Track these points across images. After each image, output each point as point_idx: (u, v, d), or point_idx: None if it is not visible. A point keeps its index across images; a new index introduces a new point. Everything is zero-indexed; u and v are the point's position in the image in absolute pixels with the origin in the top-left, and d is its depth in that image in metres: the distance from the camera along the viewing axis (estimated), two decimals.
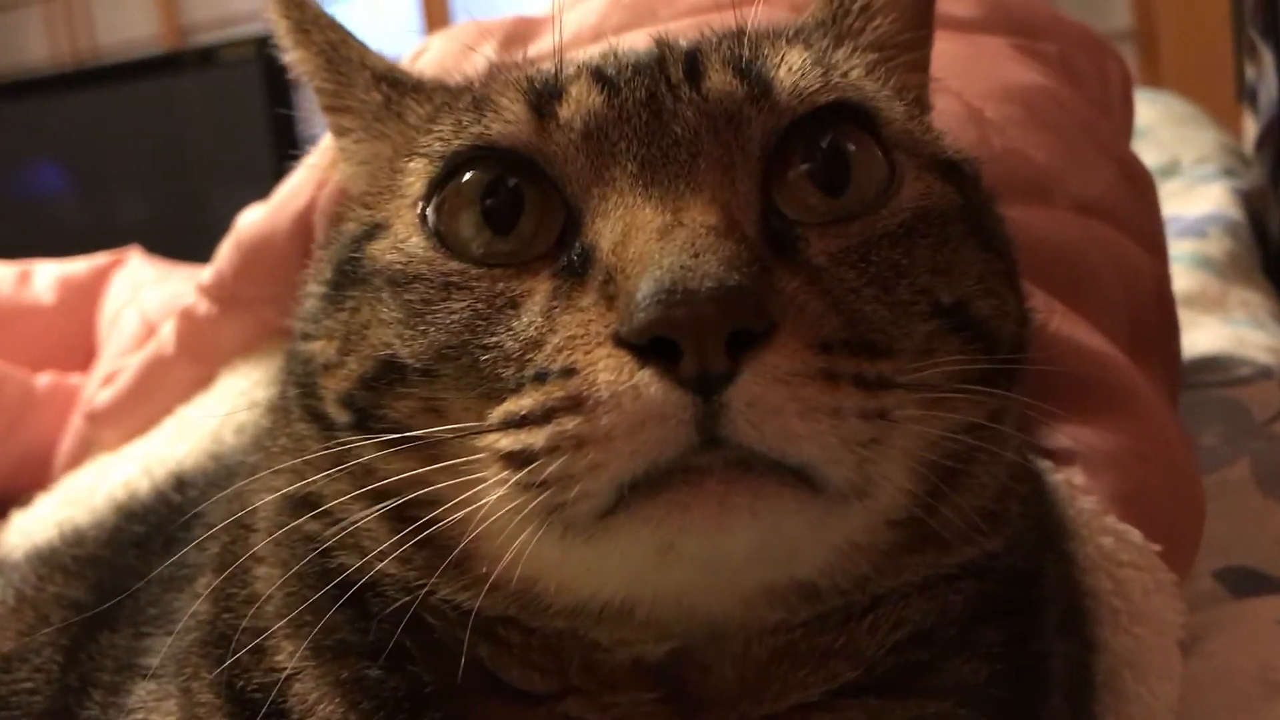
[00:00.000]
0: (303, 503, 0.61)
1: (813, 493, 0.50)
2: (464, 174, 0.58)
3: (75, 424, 1.24)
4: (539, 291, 0.54)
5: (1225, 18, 2.25)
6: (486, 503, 0.51)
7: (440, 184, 0.58)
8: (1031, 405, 0.62)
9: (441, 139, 0.59)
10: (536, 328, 0.52)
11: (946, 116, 0.78)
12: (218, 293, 1.08)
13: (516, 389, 0.51)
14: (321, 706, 0.58)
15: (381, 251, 0.59)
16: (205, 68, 3.39)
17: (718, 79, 0.57)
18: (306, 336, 0.63)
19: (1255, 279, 1.57)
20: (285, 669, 0.60)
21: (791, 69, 0.58)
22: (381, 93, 0.68)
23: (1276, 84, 1.61)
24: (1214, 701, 0.78)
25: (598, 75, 0.58)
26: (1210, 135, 2.11)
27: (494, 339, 0.53)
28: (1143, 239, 0.94)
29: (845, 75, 0.60)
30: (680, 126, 0.55)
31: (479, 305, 0.55)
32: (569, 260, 0.54)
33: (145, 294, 1.39)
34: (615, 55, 0.60)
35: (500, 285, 0.55)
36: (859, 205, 0.57)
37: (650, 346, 0.48)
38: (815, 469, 0.49)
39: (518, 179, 0.56)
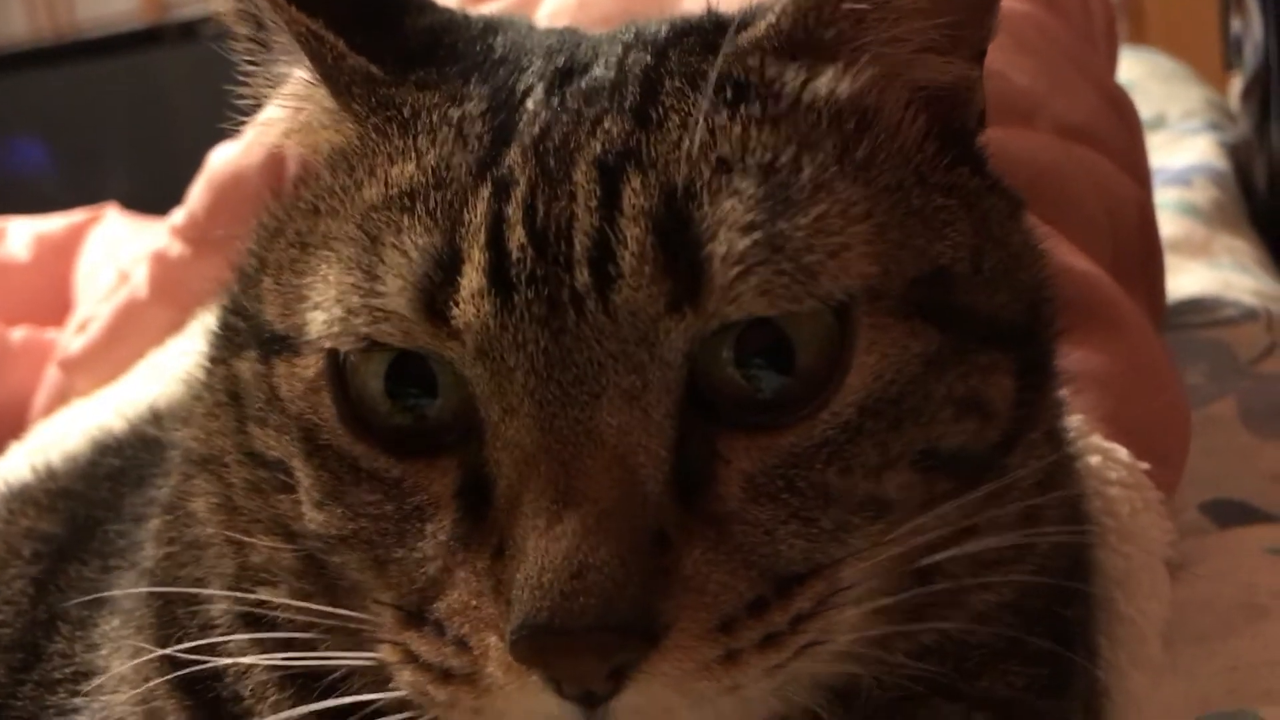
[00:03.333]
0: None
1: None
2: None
3: (50, 376, 1.23)
4: (444, 512, 0.49)
5: None
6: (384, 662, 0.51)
7: (337, 352, 0.51)
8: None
9: (326, 313, 0.50)
10: (438, 568, 0.49)
11: None
12: (191, 233, 1.07)
13: (417, 615, 0.49)
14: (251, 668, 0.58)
15: (289, 384, 0.53)
16: (187, 42, 3.36)
17: (631, 285, 0.47)
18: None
19: (1241, 227, 1.57)
20: (218, 624, 0.59)
21: (730, 253, 0.47)
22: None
23: (1262, 34, 1.61)
24: (1200, 624, 0.78)
25: (495, 272, 0.48)
26: (1196, 91, 2.11)
27: (400, 552, 0.50)
28: (1127, 165, 0.94)
29: (809, 248, 0.48)
30: (583, 356, 0.47)
31: (388, 507, 0.50)
32: (474, 480, 0.49)
33: (122, 248, 1.38)
34: (524, 220, 0.49)
35: (409, 483, 0.50)
36: (796, 405, 0.49)
37: None
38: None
39: (425, 358, 0.50)
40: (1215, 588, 0.82)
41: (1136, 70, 2.13)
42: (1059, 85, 0.92)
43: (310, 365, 0.52)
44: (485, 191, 0.49)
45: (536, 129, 0.51)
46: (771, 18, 0.53)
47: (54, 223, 1.51)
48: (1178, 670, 0.74)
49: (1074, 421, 0.73)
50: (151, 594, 0.63)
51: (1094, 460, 0.72)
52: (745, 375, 0.48)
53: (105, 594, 0.67)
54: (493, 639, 0.47)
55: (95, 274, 1.37)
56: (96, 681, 0.63)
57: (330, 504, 0.52)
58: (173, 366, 1.04)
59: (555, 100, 0.52)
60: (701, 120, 0.49)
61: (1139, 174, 0.99)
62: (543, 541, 0.45)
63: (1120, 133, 0.97)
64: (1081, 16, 1.07)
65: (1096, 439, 0.73)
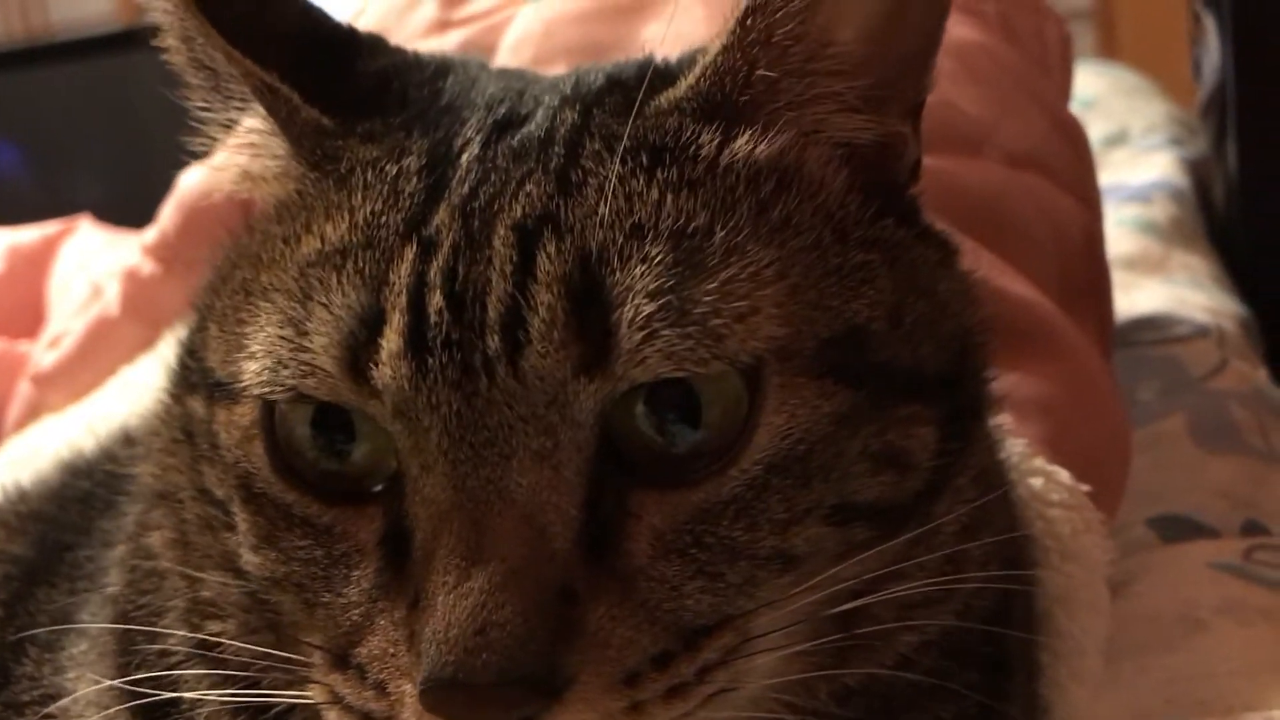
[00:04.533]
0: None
1: None
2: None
3: (23, 390, 1.24)
4: (368, 560, 0.51)
5: None
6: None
7: (270, 403, 0.53)
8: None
9: (259, 363, 0.52)
10: (361, 614, 0.51)
11: None
12: (161, 252, 1.08)
13: (343, 658, 0.51)
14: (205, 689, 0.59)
15: (227, 431, 0.55)
16: (159, 45, 3.35)
17: (539, 350, 0.48)
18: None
19: (1198, 244, 1.60)
20: (176, 654, 0.61)
21: (637, 318, 0.48)
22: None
23: (1219, 53, 1.64)
24: (1140, 638, 0.80)
25: (413, 335, 0.49)
26: (1159, 106, 2.14)
27: (328, 597, 0.52)
28: (1075, 191, 0.96)
29: (716, 312, 0.49)
30: (494, 419, 0.48)
31: (318, 552, 0.52)
32: (396, 530, 0.50)
33: (95, 261, 1.39)
34: (443, 283, 0.50)
35: (338, 529, 0.52)
36: (706, 462, 0.49)
37: None
38: None
39: (348, 409, 0.51)
40: (1157, 603, 0.84)
41: (1100, 85, 2.16)
42: (1009, 113, 0.95)
43: (245, 414, 0.54)
44: (411, 252, 0.50)
45: (465, 189, 0.52)
46: (691, 78, 0.54)
47: (27, 234, 1.52)
48: (1118, 684, 0.77)
49: (1017, 446, 0.76)
50: (114, 621, 0.64)
51: (1036, 483, 0.75)
52: (659, 430, 0.49)
53: (73, 617, 0.68)
54: (408, 686, 0.48)
55: (68, 286, 1.38)
56: (61, 704, 0.65)
57: (265, 548, 0.54)
58: (143, 384, 1.05)
59: (488, 157, 0.53)
60: (614, 187, 0.50)
61: (1087, 199, 1.01)
62: (450, 597, 0.47)
63: (1070, 159, 1.00)
64: (1035, 44, 1.10)
65: (1039, 462, 0.75)
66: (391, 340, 0.49)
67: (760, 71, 0.53)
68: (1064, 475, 0.75)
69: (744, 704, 0.52)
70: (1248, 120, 1.56)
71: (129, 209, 2.00)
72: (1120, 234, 1.48)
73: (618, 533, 0.49)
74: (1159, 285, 1.42)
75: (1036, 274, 0.84)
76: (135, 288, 1.12)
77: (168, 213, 1.07)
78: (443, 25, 1.11)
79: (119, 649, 0.64)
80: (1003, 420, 0.76)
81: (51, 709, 0.64)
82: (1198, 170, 1.84)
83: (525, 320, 0.48)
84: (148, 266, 1.10)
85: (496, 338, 0.48)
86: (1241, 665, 0.76)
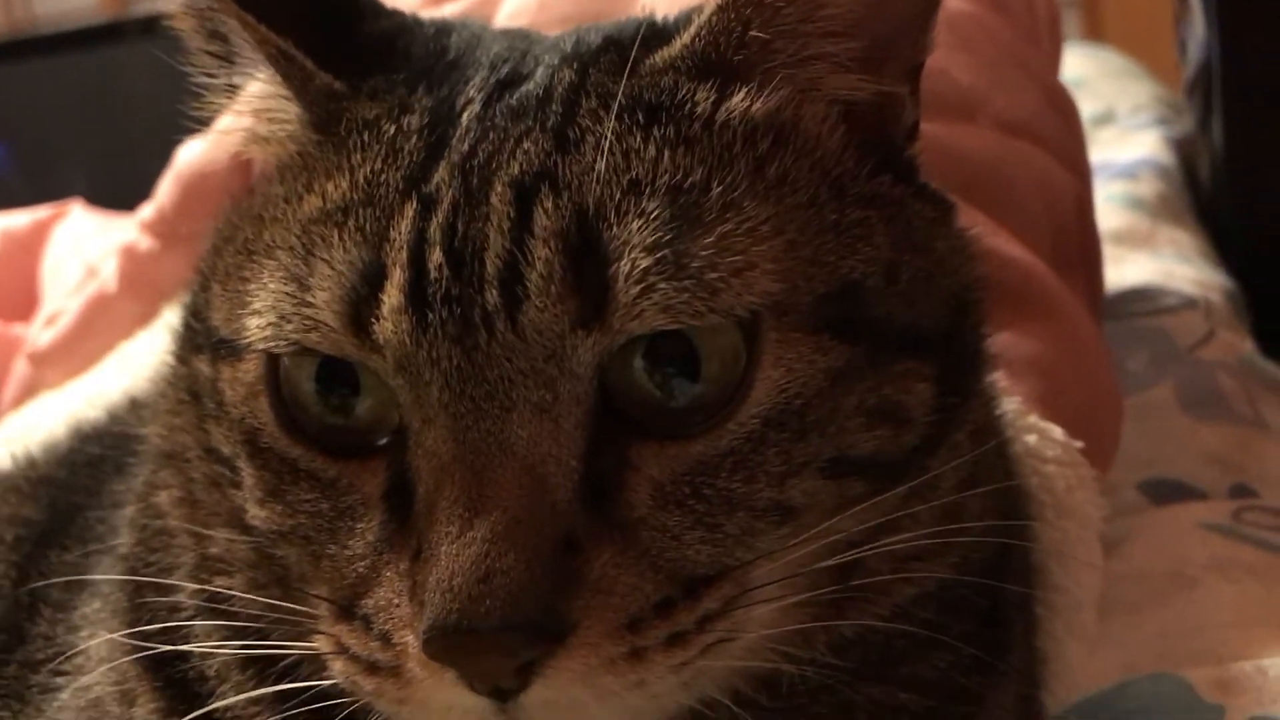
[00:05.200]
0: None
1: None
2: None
3: (19, 370, 1.24)
4: (373, 512, 0.52)
5: None
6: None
7: (274, 358, 0.54)
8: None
9: (262, 318, 0.53)
10: (366, 566, 0.51)
11: None
12: (159, 228, 1.08)
13: (348, 609, 0.52)
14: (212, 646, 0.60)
15: (232, 387, 0.55)
16: (147, 37, 3.34)
17: (538, 305, 0.49)
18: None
19: (1184, 219, 1.61)
20: (185, 609, 0.62)
21: (634, 271, 0.49)
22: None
23: (1204, 31, 1.65)
24: (1133, 595, 0.82)
25: (413, 290, 0.50)
26: (1145, 87, 2.16)
27: (333, 549, 0.53)
28: (1065, 159, 0.97)
29: (712, 265, 0.49)
30: (494, 372, 0.49)
31: (324, 505, 0.53)
32: (400, 483, 0.51)
33: (88, 244, 1.39)
34: (443, 239, 0.51)
35: (344, 483, 0.53)
36: (704, 415, 0.50)
37: None
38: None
39: (351, 363, 0.52)
40: (1149, 561, 0.86)
41: (1088, 67, 2.18)
42: (1001, 83, 0.96)
43: (250, 370, 0.54)
44: (411, 209, 0.51)
45: (466, 146, 0.53)
46: (686, 38, 0.54)
47: (19, 219, 1.52)
48: (1111, 639, 0.78)
49: (1012, 404, 0.77)
50: (125, 579, 0.65)
51: (1031, 440, 0.76)
52: (658, 383, 0.50)
53: (85, 578, 0.69)
54: (411, 636, 0.49)
55: (61, 269, 1.39)
56: (75, 661, 0.66)
57: (271, 501, 0.54)
58: (142, 358, 1.06)
59: (488, 115, 0.54)
60: (610, 144, 0.51)
61: (1078, 168, 1.03)
62: (454, 547, 0.47)
63: (1060, 129, 1.01)
64: (1025, 16, 1.11)
65: (1034, 419, 0.77)
66: (392, 296, 0.50)
67: (753, 32, 0.53)
68: (1058, 432, 0.76)
69: (742, 654, 0.53)
70: (1232, 98, 1.58)
71: (115, 199, 2.00)
72: (1109, 210, 1.50)
73: (618, 484, 0.50)
74: (1147, 259, 1.43)
75: (1029, 238, 0.85)
76: (133, 264, 1.12)
77: (165, 188, 1.07)
78: None
79: (130, 605, 0.64)
80: (997, 378, 0.77)
81: (65, 666, 0.65)
82: (1183, 148, 1.86)
83: (523, 275, 0.49)
84: (145, 242, 1.10)
85: (495, 292, 0.49)
86: (1231, 619, 0.77)
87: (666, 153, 0.51)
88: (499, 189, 0.51)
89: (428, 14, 1.07)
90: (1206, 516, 0.90)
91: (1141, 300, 1.31)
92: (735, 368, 0.50)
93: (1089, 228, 1.02)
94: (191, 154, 1.06)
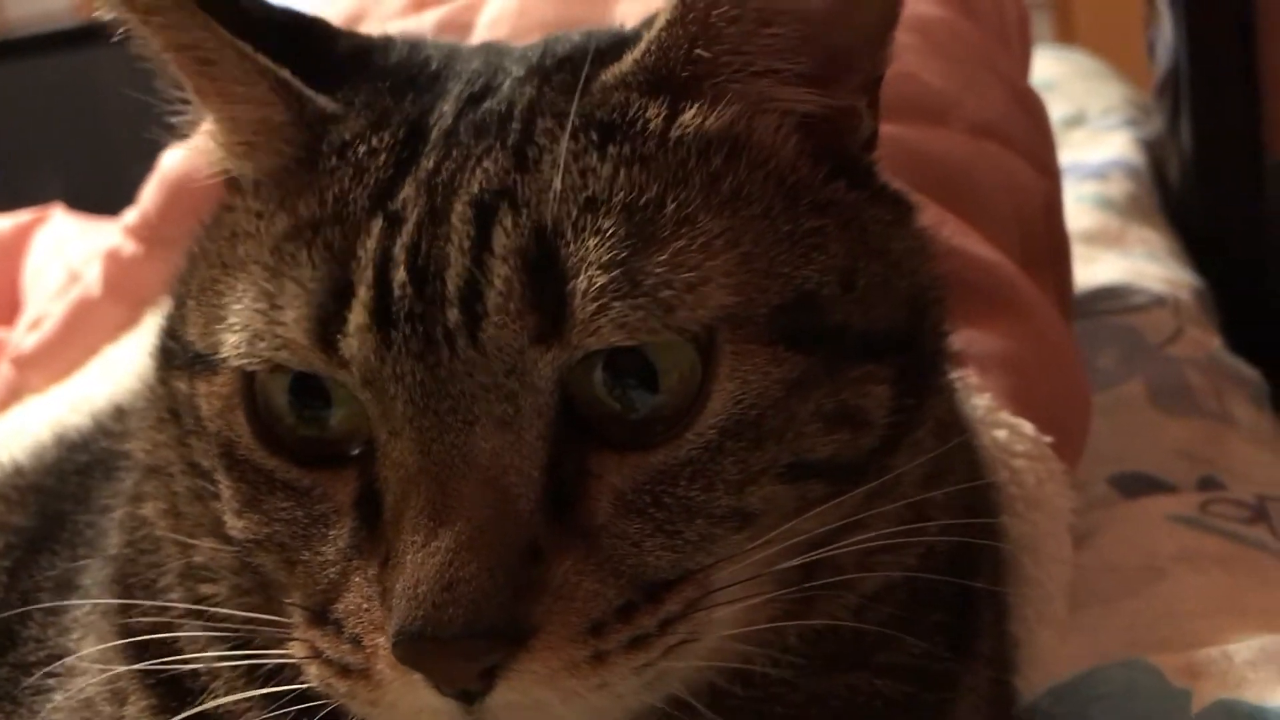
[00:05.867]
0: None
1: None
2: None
3: (2, 372, 1.25)
4: (345, 519, 0.53)
5: None
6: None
7: (249, 373, 0.55)
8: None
9: (236, 335, 0.54)
10: (338, 572, 0.53)
11: None
12: (144, 233, 1.09)
13: (321, 614, 0.53)
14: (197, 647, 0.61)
15: (209, 402, 0.56)
16: (123, 40, 3.31)
17: (497, 323, 0.50)
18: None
19: (1154, 219, 1.64)
20: (174, 608, 0.63)
21: (590, 289, 0.49)
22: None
23: (1172, 34, 1.68)
24: (1103, 586, 0.84)
25: (378, 308, 0.51)
26: (1116, 89, 2.20)
27: (307, 555, 0.54)
28: (1034, 161, 0.99)
29: (667, 283, 0.50)
30: (456, 388, 0.50)
31: (299, 513, 0.54)
32: (370, 492, 0.52)
33: (69, 247, 1.39)
34: (407, 258, 0.51)
35: (318, 491, 0.54)
36: (663, 426, 0.51)
37: None
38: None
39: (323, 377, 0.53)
40: (1119, 553, 0.88)
41: (1059, 69, 2.21)
42: (970, 85, 0.98)
43: (225, 384, 0.55)
44: (377, 226, 0.52)
45: (431, 163, 0.53)
46: (636, 53, 0.55)
47: (0, 224, 1.52)
48: (1083, 628, 0.80)
49: (983, 400, 0.79)
50: (114, 581, 0.66)
51: (1001, 435, 0.78)
52: (618, 395, 0.51)
53: (75, 581, 0.70)
54: (381, 639, 0.50)
55: (43, 273, 1.39)
56: (67, 664, 0.66)
57: (249, 511, 0.55)
58: (126, 363, 1.07)
59: (455, 130, 0.55)
60: (565, 163, 0.52)
61: (1047, 169, 1.05)
62: (419, 556, 0.49)
63: (1029, 130, 1.03)
64: (995, 19, 1.13)
65: (1004, 415, 0.78)
66: (358, 314, 0.51)
67: (699, 50, 0.54)
68: (1028, 427, 0.78)
69: (706, 653, 0.54)
70: (1200, 100, 1.61)
71: (90, 203, 2.00)
72: (1079, 210, 1.52)
73: (580, 492, 0.51)
74: (1117, 258, 1.46)
75: (999, 238, 0.87)
76: (116, 268, 1.13)
77: (149, 193, 1.08)
78: (419, 4, 1.12)
79: (119, 607, 0.65)
80: (968, 375, 0.79)
81: (57, 668, 0.66)
82: (1153, 149, 1.89)
83: (483, 293, 0.50)
84: (129, 247, 1.11)
85: (456, 310, 0.50)
86: (1198, 607, 0.80)
87: (622, 170, 0.52)
88: (459, 208, 0.52)
89: (410, 21, 1.09)
90: (1175, 509, 0.92)
91: (1112, 298, 1.34)
92: (693, 380, 0.51)
93: (1058, 227, 1.04)
94: (175, 159, 1.07)
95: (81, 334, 1.15)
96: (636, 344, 0.50)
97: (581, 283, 0.49)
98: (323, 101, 0.57)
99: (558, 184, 0.51)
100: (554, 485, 0.51)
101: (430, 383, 0.50)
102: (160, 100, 0.61)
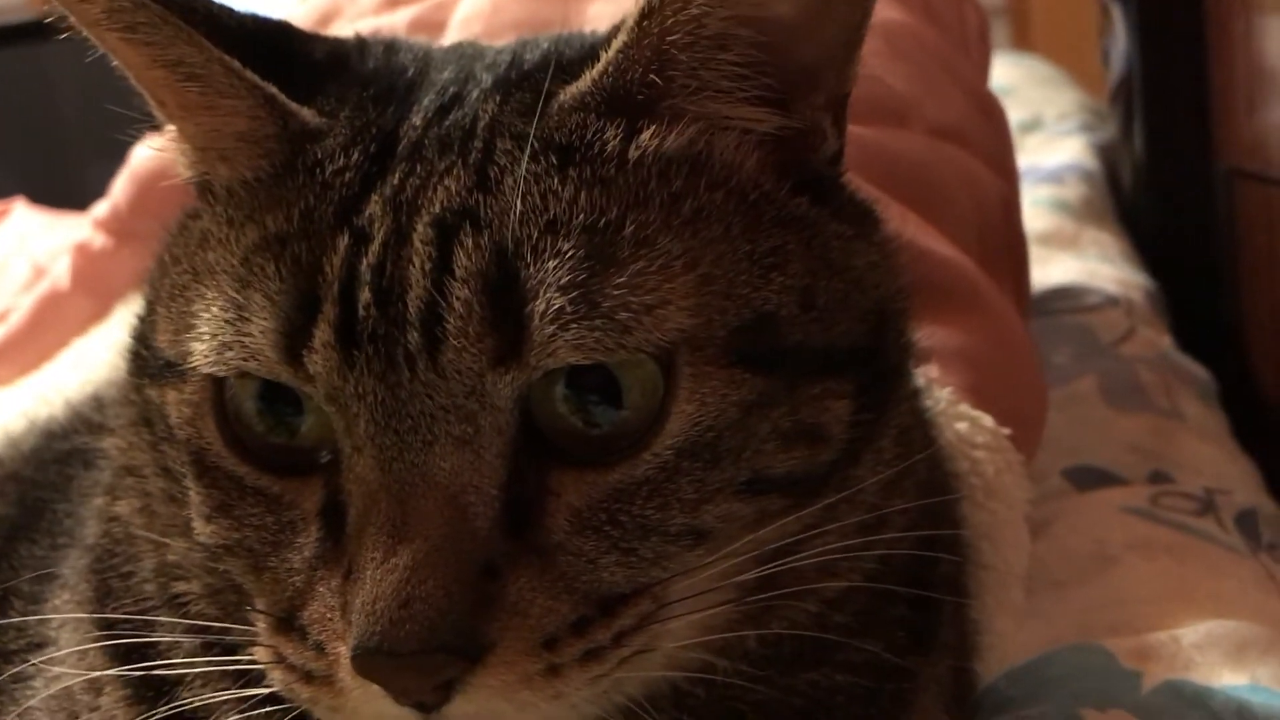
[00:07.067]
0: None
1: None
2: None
3: None
4: (311, 528, 0.54)
5: None
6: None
7: (219, 379, 0.55)
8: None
9: (205, 344, 0.54)
10: (303, 580, 0.53)
11: None
12: (114, 226, 1.09)
13: (286, 621, 0.54)
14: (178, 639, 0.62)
15: (178, 409, 0.57)
16: (76, 34, 3.27)
17: (456, 345, 0.50)
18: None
19: (1107, 222, 1.68)
20: (150, 599, 0.63)
21: (548, 311, 0.50)
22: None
23: (1125, 41, 1.72)
24: (1057, 573, 0.87)
25: (342, 327, 0.51)
26: (1071, 95, 2.25)
27: (274, 561, 0.54)
28: (992, 163, 1.02)
29: (624, 305, 0.50)
30: (416, 408, 0.50)
31: (269, 519, 0.55)
32: (335, 502, 0.53)
33: (33, 242, 1.39)
34: (372, 278, 0.52)
35: (287, 499, 0.54)
36: (623, 443, 0.52)
37: None
38: None
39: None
40: (1072, 542, 0.91)
41: (1016, 75, 2.26)
42: (931, 89, 1.00)
43: (195, 392, 0.56)
44: (343, 243, 0.52)
45: (397, 178, 0.54)
46: (594, 73, 0.55)
47: None
48: (1037, 614, 0.83)
49: (944, 394, 0.81)
50: (92, 569, 0.67)
51: (962, 427, 0.80)
52: (580, 411, 0.52)
53: (54, 570, 0.71)
54: (343, 648, 0.51)
55: (6, 266, 1.38)
56: (46, 652, 0.67)
57: (218, 517, 0.56)
58: (97, 354, 1.07)
59: (422, 143, 0.55)
60: (527, 185, 0.52)
61: (1005, 171, 1.08)
62: (378, 572, 0.49)
63: (988, 133, 1.06)
64: (956, 25, 1.16)
65: (964, 408, 0.81)
66: (323, 331, 0.51)
67: (652, 75, 0.54)
68: (987, 420, 0.81)
69: (663, 663, 0.55)
70: (1152, 107, 1.65)
71: (44, 198, 1.98)
72: (1035, 212, 1.56)
73: (538, 510, 0.52)
74: (1071, 259, 1.50)
75: (958, 237, 0.90)
76: (86, 261, 1.13)
77: (120, 186, 1.08)
78: (392, 2, 1.13)
79: (95, 595, 0.66)
80: (929, 370, 0.82)
81: (39, 660, 0.66)
82: (1107, 154, 1.93)
83: (443, 317, 0.50)
84: (99, 240, 1.11)
85: (417, 334, 0.50)
86: (1149, 594, 0.82)
87: (583, 193, 0.52)
88: (420, 229, 0.52)
89: (383, 19, 1.10)
90: (1126, 501, 0.95)
91: (1066, 298, 1.37)
92: (655, 396, 0.52)
93: (1015, 227, 1.07)
94: (146, 153, 1.07)
95: (50, 327, 1.15)
96: (590, 363, 0.51)
97: (540, 304, 0.50)
98: (308, 116, 0.56)
99: (519, 205, 0.51)
100: (512, 503, 0.51)
101: (391, 402, 0.51)
102: (111, 95, 0.60)
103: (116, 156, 1.48)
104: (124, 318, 1.11)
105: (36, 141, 3.35)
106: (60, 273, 1.16)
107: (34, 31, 3.44)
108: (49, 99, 3.37)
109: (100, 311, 1.13)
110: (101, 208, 1.11)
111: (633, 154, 0.54)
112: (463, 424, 0.51)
